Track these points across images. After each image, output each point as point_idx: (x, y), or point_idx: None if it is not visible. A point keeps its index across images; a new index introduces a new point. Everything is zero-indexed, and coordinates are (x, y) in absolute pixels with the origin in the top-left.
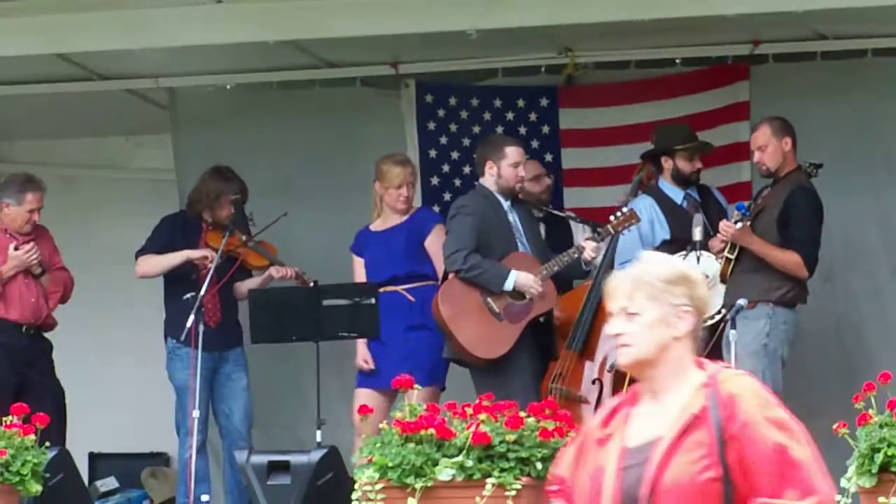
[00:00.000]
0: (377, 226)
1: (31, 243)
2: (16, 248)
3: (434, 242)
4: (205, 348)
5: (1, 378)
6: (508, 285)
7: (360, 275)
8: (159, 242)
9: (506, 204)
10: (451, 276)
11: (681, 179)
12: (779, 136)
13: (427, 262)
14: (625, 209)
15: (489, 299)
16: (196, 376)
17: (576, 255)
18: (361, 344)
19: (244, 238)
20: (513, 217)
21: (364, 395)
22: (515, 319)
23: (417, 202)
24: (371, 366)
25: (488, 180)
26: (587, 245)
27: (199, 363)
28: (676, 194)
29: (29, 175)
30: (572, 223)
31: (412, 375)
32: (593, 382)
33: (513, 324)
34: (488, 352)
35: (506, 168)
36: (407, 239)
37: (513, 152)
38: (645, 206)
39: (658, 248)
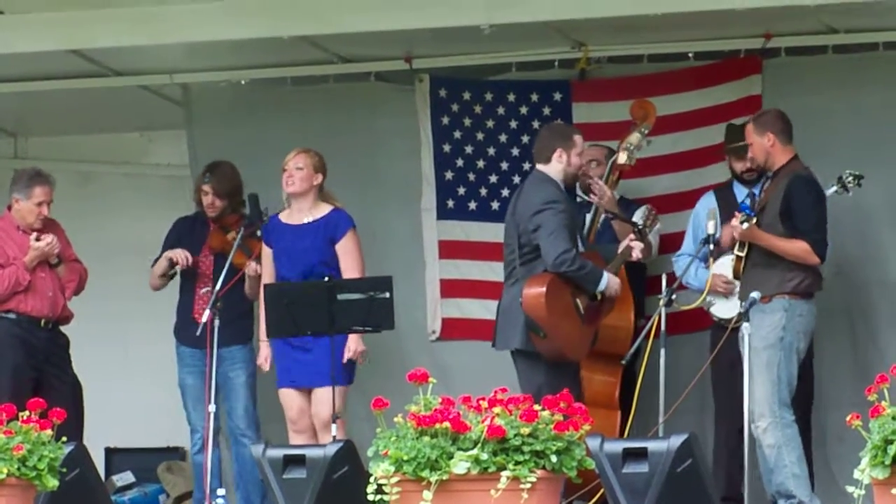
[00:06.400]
0: (287, 217)
1: (50, 234)
2: (37, 239)
3: (346, 245)
4: (199, 346)
5: (19, 373)
6: (602, 286)
7: (267, 266)
8: (164, 250)
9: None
10: (548, 274)
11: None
12: (760, 132)
13: (335, 265)
14: (647, 207)
15: (577, 300)
16: (211, 373)
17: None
18: (264, 345)
19: (230, 235)
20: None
21: (289, 395)
22: (592, 321)
23: (430, 202)
24: (266, 367)
25: (554, 168)
26: (635, 245)
27: (199, 361)
28: (741, 192)
29: (37, 169)
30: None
31: (332, 375)
32: None
33: (589, 325)
34: (578, 354)
35: (574, 157)
36: (320, 237)
37: (580, 140)
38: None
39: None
